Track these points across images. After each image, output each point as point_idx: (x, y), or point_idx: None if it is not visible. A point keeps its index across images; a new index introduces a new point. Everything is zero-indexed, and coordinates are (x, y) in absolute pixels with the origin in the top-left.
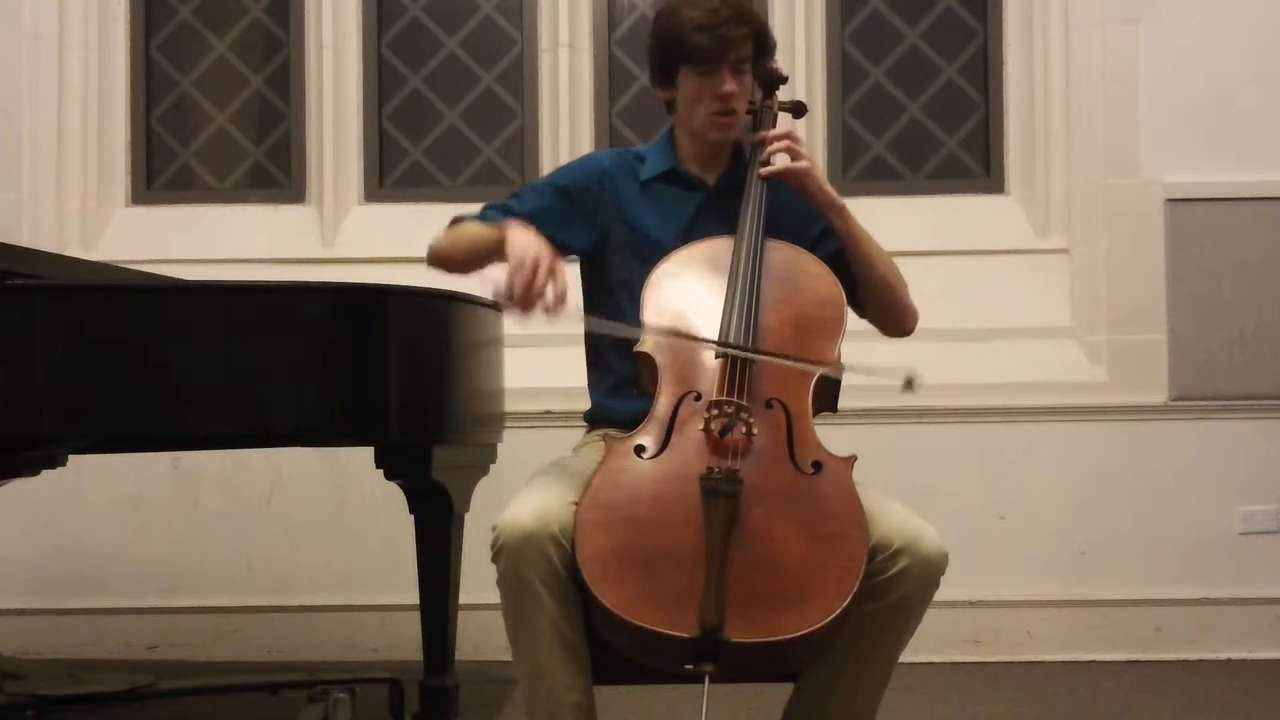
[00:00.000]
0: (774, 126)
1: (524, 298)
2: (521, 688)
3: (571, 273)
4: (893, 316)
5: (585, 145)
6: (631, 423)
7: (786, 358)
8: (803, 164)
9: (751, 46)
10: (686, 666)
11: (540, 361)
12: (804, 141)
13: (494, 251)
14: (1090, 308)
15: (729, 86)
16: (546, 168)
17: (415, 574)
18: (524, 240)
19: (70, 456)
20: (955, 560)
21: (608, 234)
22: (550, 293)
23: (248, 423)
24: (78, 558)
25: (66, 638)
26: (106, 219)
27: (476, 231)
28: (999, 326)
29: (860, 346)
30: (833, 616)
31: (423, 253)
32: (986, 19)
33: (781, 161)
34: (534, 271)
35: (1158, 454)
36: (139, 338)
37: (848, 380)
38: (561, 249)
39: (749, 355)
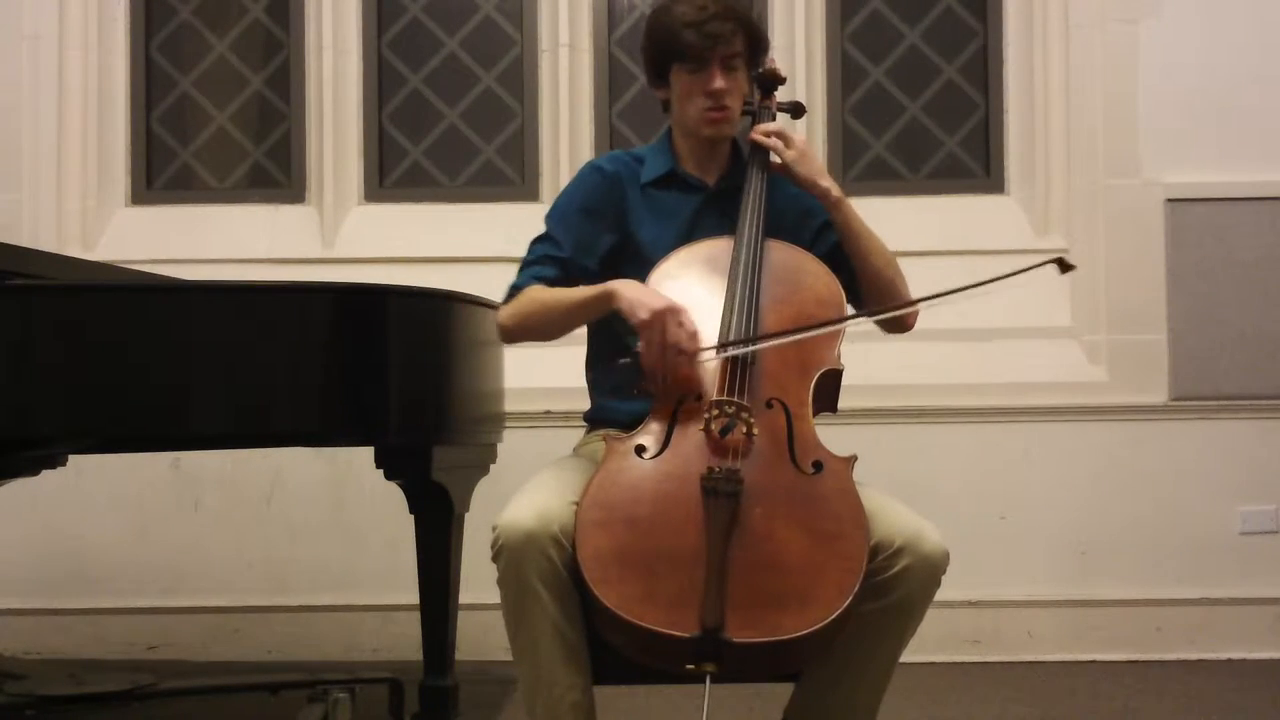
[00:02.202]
0: None
1: (671, 358)
2: (521, 688)
3: None
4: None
5: (585, 145)
6: (631, 423)
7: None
8: (792, 153)
9: (742, 42)
10: (687, 666)
11: (540, 361)
12: (800, 135)
13: (596, 313)
14: (1090, 308)
15: (719, 83)
16: (546, 167)
17: (415, 574)
18: (643, 302)
19: (70, 456)
20: (955, 560)
21: (621, 239)
22: (690, 343)
23: (248, 423)
24: (78, 558)
25: (66, 638)
26: (106, 219)
27: (565, 298)
28: (999, 326)
29: (860, 348)
30: (834, 616)
31: (423, 252)
32: (986, 19)
33: (771, 133)
34: (670, 331)
35: (1158, 454)
36: (139, 338)
37: (848, 379)
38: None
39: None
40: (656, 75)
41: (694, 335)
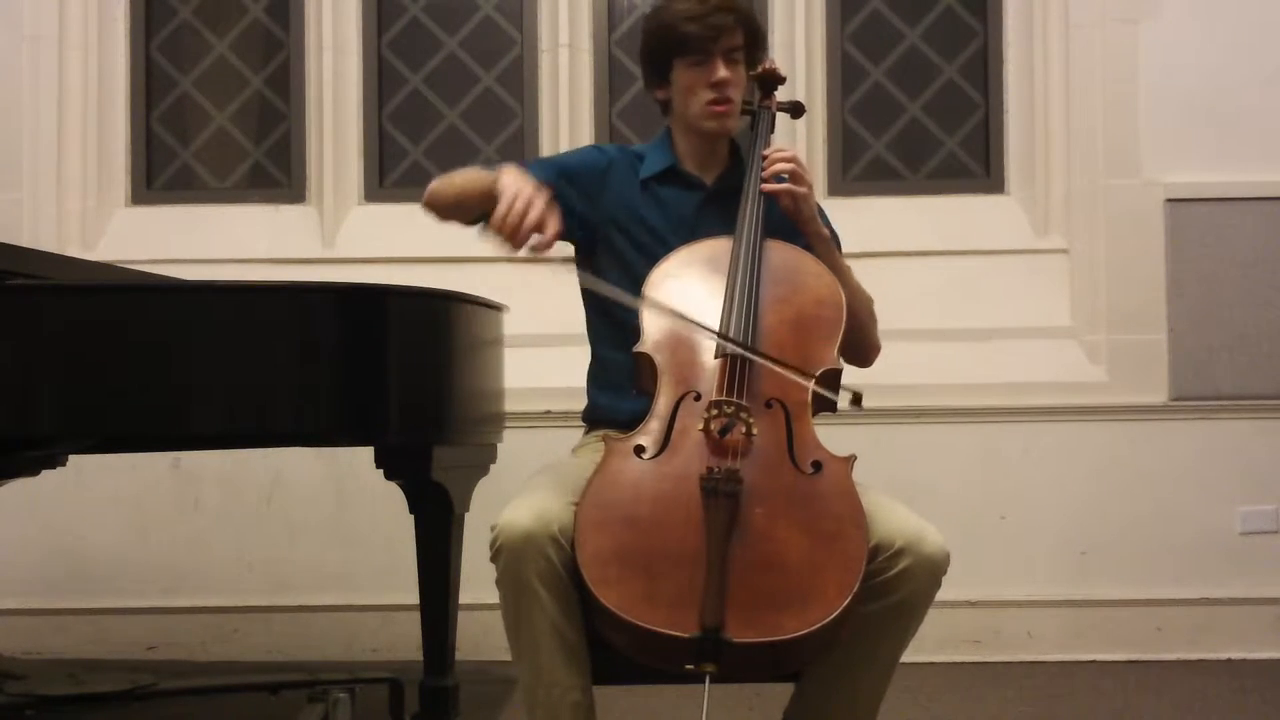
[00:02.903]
0: (773, 127)
1: (513, 230)
2: (521, 688)
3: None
4: (859, 352)
5: (585, 145)
6: (630, 422)
7: (786, 366)
8: (803, 188)
9: (742, 35)
10: (687, 667)
11: (540, 361)
12: (806, 167)
13: (484, 196)
14: (1090, 308)
15: (722, 73)
16: None
17: (415, 574)
18: (518, 179)
19: (70, 456)
20: (955, 560)
21: (608, 222)
22: (540, 231)
23: (248, 423)
24: (78, 558)
25: (66, 638)
26: (106, 219)
27: (470, 175)
28: (999, 326)
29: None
30: (833, 616)
31: (423, 252)
32: (986, 19)
33: (782, 177)
34: (525, 206)
35: (1158, 454)
36: (139, 338)
37: (848, 380)
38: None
39: (746, 355)
40: (656, 73)
41: (551, 235)
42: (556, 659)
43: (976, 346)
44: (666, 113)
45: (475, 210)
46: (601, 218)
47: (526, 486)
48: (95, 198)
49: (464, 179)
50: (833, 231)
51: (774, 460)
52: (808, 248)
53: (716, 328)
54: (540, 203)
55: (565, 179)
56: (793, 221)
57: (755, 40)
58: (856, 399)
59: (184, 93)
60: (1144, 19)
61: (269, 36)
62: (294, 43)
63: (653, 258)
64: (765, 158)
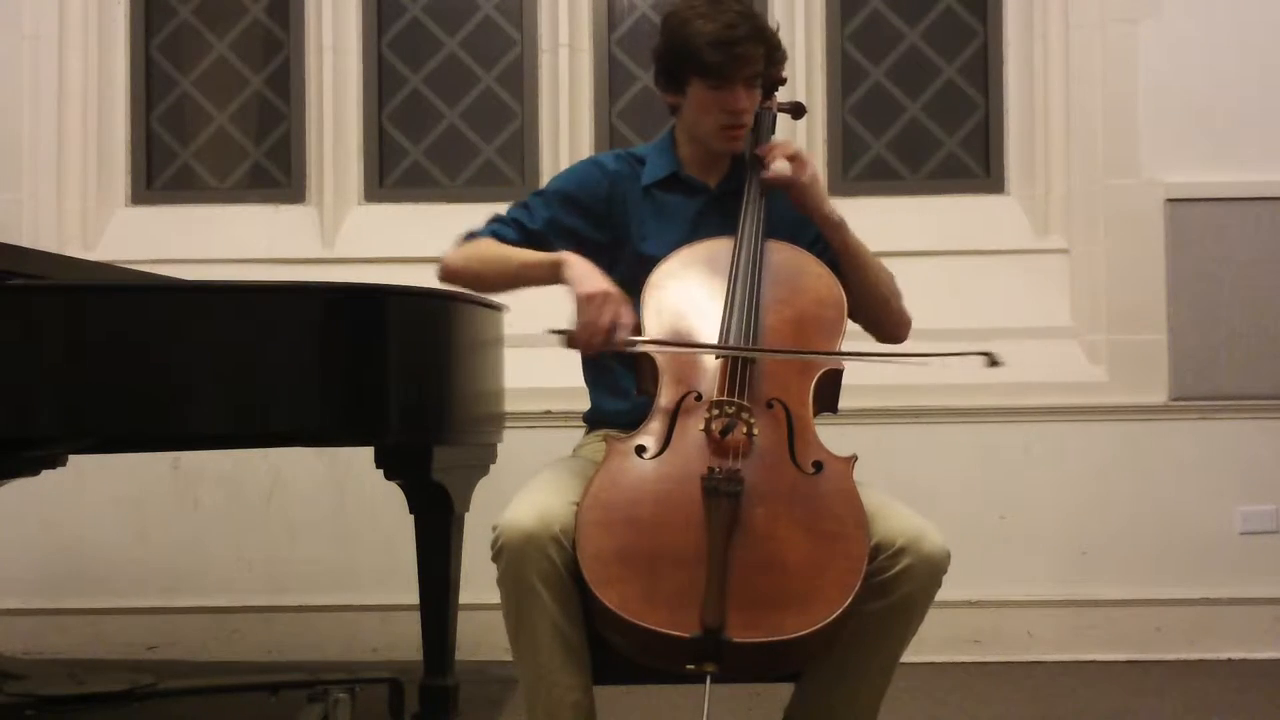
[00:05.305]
0: (773, 128)
1: (599, 339)
2: (521, 688)
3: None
4: (887, 328)
5: (585, 145)
6: (631, 423)
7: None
8: (805, 177)
9: (764, 60)
10: (688, 667)
11: (540, 361)
12: (810, 158)
13: (541, 279)
14: (1090, 308)
15: (742, 103)
16: (546, 168)
17: (415, 574)
18: (590, 275)
19: (70, 456)
20: (955, 560)
21: (612, 238)
22: (621, 331)
23: (248, 423)
24: (78, 558)
25: (66, 638)
26: (106, 219)
27: (516, 255)
28: (999, 326)
29: (860, 348)
30: (834, 616)
31: (423, 252)
32: (986, 19)
33: (782, 167)
34: (605, 315)
35: (1158, 454)
36: (139, 338)
37: (848, 380)
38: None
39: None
40: (669, 80)
41: (627, 326)
42: (557, 659)
43: (976, 346)
44: (673, 113)
45: (521, 288)
46: (609, 231)
47: (528, 486)
48: (95, 198)
49: (507, 260)
50: None
51: (775, 460)
52: (811, 244)
53: (717, 329)
54: (618, 305)
55: (569, 207)
56: (803, 213)
57: (773, 61)
58: (992, 360)
59: (184, 93)
60: (1144, 19)
61: (269, 36)
62: (294, 43)
63: (654, 263)
64: (761, 158)
